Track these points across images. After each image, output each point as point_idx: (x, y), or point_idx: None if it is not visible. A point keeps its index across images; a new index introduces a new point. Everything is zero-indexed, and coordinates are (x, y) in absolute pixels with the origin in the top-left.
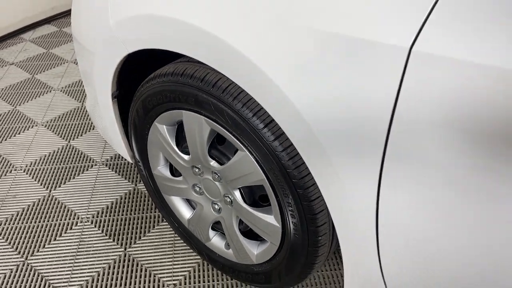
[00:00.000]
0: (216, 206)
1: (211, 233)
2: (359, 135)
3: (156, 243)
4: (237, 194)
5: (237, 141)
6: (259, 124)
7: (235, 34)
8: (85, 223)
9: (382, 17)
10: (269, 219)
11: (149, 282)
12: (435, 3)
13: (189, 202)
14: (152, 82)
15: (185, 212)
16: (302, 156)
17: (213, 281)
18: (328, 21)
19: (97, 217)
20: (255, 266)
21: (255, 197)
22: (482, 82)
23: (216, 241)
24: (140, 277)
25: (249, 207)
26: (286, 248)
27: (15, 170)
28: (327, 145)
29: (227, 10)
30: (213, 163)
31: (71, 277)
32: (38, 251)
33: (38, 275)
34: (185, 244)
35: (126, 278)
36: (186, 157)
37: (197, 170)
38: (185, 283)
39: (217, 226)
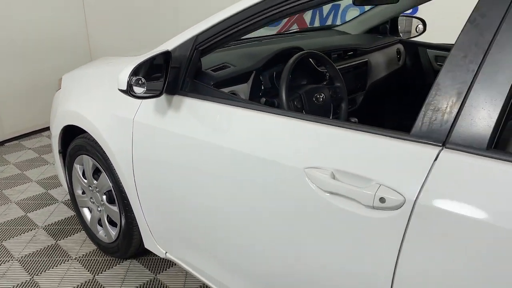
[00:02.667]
0: (99, 208)
1: (99, 228)
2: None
3: (79, 240)
4: (104, 197)
5: (101, 168)
6: (107, 158)
7: (96, 119)
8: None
9: (125, 105)
10: (115, 208)
11: (62, 256)
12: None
13: (90, 210)
14: (73, 142)
15: (88, 216)
16: (115, 167)
17: (99, 256)
18: (123, 110)
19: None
20: (113, 242)
21: (112, 199)
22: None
23: (101, 233)
24: (59, 251)
25: (109, 204)
26: (122, 226)
27: None
28: (120, 162)
29: (94, 110)
30: (95, 182)
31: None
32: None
33: None
34: (89, 240)
35: (52, 252)
36: (85, 181)
37: (90, 188)
38: (83, 256)
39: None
